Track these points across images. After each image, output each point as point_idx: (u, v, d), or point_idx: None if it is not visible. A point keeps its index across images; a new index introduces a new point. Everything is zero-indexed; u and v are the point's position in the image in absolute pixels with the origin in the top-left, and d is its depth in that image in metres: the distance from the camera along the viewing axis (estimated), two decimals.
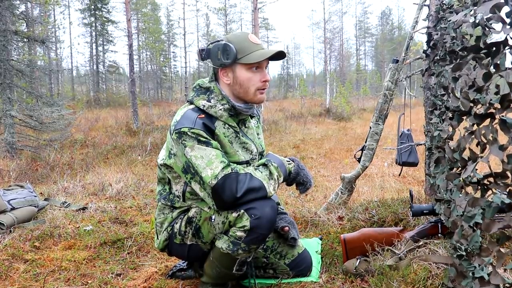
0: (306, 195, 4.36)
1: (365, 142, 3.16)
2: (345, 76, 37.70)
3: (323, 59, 31.84)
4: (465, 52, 1.28)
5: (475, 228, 1.29)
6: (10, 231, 2.97)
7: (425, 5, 2.77)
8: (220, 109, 1.89)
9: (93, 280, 2.24)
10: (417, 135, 7.89)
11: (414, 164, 3.07)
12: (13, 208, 3.15)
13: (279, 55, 1.89)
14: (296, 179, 2.00)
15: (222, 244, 1.84)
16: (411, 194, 2.32)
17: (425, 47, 2.65)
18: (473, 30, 1.22)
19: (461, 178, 1.31)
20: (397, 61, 3.04)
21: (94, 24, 28.15)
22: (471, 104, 1.22)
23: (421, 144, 2.99)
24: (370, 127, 3.14)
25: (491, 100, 1.13)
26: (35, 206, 3.33)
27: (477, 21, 1.17)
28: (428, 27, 2.69)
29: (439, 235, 2.17)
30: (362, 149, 3.18)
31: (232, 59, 1.84)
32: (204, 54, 1.92)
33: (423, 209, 2.18)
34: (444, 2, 2.52)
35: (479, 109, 1.19)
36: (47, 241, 2.80)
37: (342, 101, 17.45)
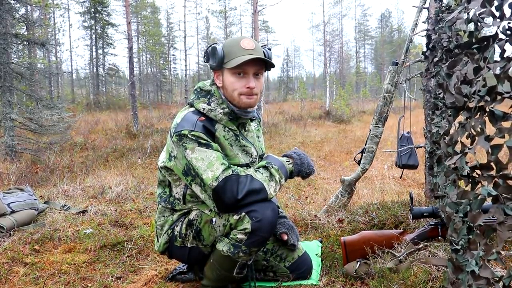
0: (306, 197, 4.36)
1: (365, 144, 3.16)
2: (344, 79, 37.74)
3: (322, 61, 31.88)
4: (459, 50, 1.29)
5: (464, 221, 1.29)
6: (10, 234, 2.97)
7: (424, 8, 2.78)
8: (220, 113, 1.90)
9: (93, 283, 2.24)
10: (417, 137, 7.89)
11: (414, 167, 3.07)
12: (13, 211, 3.15)
13: (265, 62, 1.88)
14: (299, 175, 2.02)
15: (223, 246, 1.84)
16: (411, 196, 2.33)
17: (424, 49, 2.66)
18: (466, 27, 1.23)
19: (446, 165, 1.32)
20: (396, 64, 3.04)
21: (94, 27, 28.18)
22: (465, 99, 1.23)
23: (421, 147, 2.99)
24: (370, 130, 3.15)
25: (479, 91, 1.13)
26: (35, 209, 3.33)
27: (469, 17, 1.18)
28: (427, 30, 2.70)
29: (439, 237, 2.17)
30: (362, 152, 3.18)
31: (217, 62, 1.86)
32: (205, 56, 1.95)
33: (423, 211, 2.19)
34: (443, 4, 2.53)
35: (471, 103, 1.20)
36: (47, 244, 2.80)
37: (342, 104, 17.46)
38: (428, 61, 2.59)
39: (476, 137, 1.13)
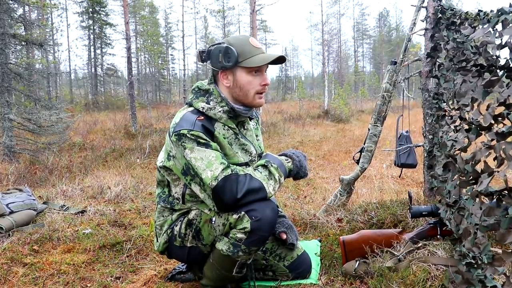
0: (305, 197, 4.36)
1: (364, 144, 3.17)
2: (343, 78, 37.75)
3: (321, 61, 31.84)
4: (495, 69, 1.29)
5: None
6: (9, 234, 2.96)
7: (422, 7, 2.78)
8: (219, 111, 1.90)
9: (92, 284, 2.23)
10: (415, 136, 7.90)
11: (412, 166, 3.07)
12: (12, 212, 3.15)
13: (279, 59, 1.91)
14: (296, 176, 2.03)
15: (222, 246, 1.84)
16: (410, 195, 2.33)
17: (423, 49, 2.65)
18: (498, 52, 1.23)
19: (478, 191, 1.30)
20: (395, 63, 3.05)
21: (92, 27, 28.14)
22: (492, 121, 1.23)
23: (419, 146, 2.99)
24: (369, 129, 3.15)
25: None
26: (34, 210, 3.33)
27: (503, 43, 1.18)
28: (426, 29, 2.70)
29: (438, 236, 2.18)
30: (361, 151, 3.18)
31: (233, 62, 1.85)
32: (204, 56, 1.93)
33: (422, 210, 2.19)
34: (441, 4, 2.53)
35: (501, 128, 1.19)
36: (46, 245, 2.80)
37: (341, 103, 17.46)
38: (432, 62, 2.59)
39: (506, 160, 1.12)
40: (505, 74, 1.22)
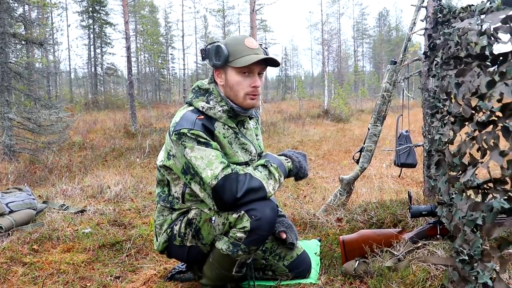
0: (305, 196, 4.36)
1: (364, 143, 3.17)
2: (343, 78, 37.74)
3: (321, 60, 31.88)
4: (470, 59, 1.28)
5: (475, 231, 1.28)
6: (9, 234, 2.96)
7: (422, 7, 2.78)
8: (219, 111, 1.90)
9: (92, 283, 2.23)
10: (415, 136, 7.90)
11: (412, 166, 3.07)
12: (11, 211, 3.14)
13: (271, 62, 1.90)
14: (296, 176, 2.03)
15: (222, 245, 1.84)
16: (409, 195, 2.33)
17: (423, 48, 2.65)
18: (478, 38, 1.22)
19: (461, 182, 1.31)
20: (395, 63, 3.05)
21: (92, 27, 28.14)
22: (473, 111, 1.22)
23: (419, 146, 2.99)
24: (369, 129, 3.15)
25: (492, 108, 1.12)
26: (33, 209, 3.33)
27: (483, 30, 1.17)
28: (426, 29, 2.70)
29: (438, 236, 2.18)
30: (361, 151, 3.18)
31: (222, 61, 1.86)
32: (203, 54, 1.94)
33: (422, 210, 2.19)
34: (441, 3, 2.53)
35: (481, 117, 1.19)
36: (45, 244, 2.80)
37: (340, 103, 17.46)
38: (430, 61, 2.59)
39: (488, 151, 1.11)
40: (477, 63, 1.21)
